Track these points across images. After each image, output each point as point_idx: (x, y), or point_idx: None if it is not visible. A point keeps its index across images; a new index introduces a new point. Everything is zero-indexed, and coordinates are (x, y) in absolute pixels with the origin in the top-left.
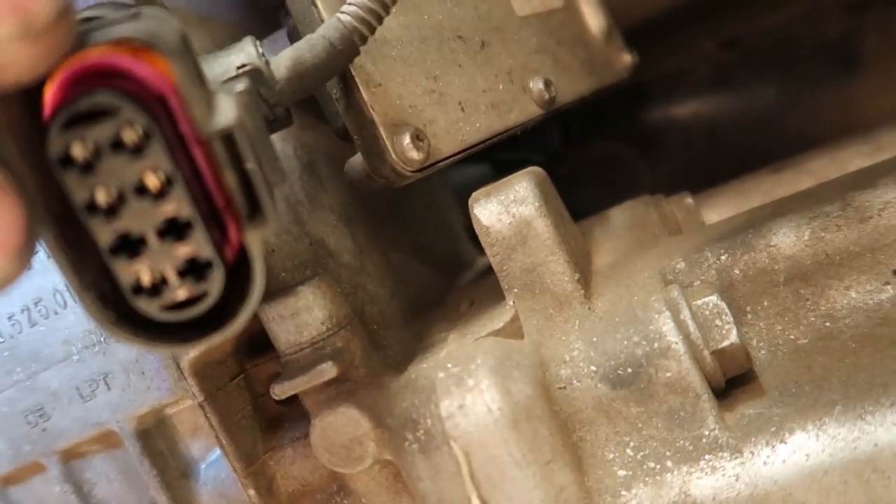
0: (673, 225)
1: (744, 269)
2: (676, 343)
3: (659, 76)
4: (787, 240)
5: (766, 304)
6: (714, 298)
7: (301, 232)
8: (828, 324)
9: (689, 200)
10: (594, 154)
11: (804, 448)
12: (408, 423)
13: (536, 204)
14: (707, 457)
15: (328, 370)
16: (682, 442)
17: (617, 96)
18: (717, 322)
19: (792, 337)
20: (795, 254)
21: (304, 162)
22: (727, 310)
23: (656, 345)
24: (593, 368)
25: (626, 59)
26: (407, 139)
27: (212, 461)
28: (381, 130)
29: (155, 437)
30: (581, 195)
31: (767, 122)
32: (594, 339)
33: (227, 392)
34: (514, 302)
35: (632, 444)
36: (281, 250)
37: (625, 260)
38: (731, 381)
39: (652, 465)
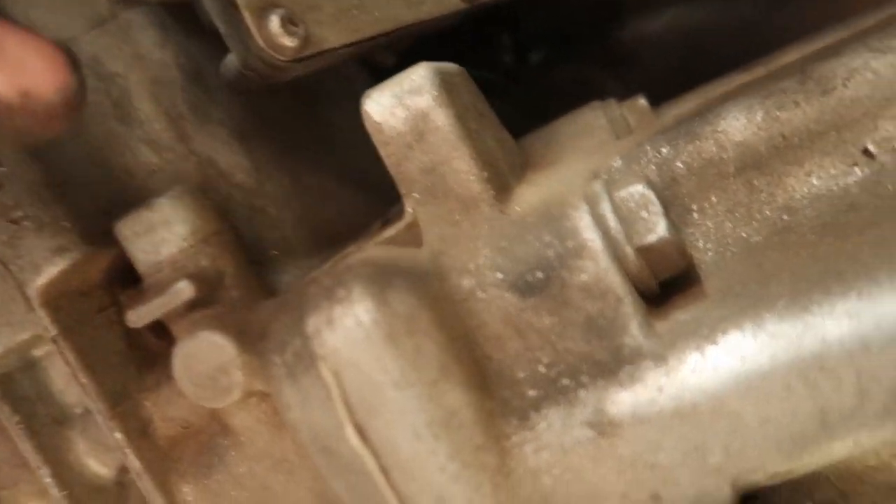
0: (623, 130)
1: (687, 160)
2: (593, 240)
3: None
4: (737, 123)
5: (714, 199)
6: (639, 188)
7: (186, 150)
8: (785, 217)
9: (643, 102)
10: (563, 77)
11: (738, 350)
12: (277, 346)
13: (434, 93)
14: (627, 368)
15: (184, 290)
16: (600, 354)
17: (587, 17)
18: (643, 214)
19: (744, 235)
20: (747, 139)
21: (186, 70)
22: (655, 199)
23: (570, 243)
24: (499, 276)
25: None
26: (276, 23)
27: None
28: (246, 14)
29: (19, 381)
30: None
31: (749, 26)
32: (503, 244)
33: (92, 325)
34: (413, 208)
35: (545, 359)
36: (163, 171)
37: (558, 165)
38: (673, 288)
39: (566, 382)
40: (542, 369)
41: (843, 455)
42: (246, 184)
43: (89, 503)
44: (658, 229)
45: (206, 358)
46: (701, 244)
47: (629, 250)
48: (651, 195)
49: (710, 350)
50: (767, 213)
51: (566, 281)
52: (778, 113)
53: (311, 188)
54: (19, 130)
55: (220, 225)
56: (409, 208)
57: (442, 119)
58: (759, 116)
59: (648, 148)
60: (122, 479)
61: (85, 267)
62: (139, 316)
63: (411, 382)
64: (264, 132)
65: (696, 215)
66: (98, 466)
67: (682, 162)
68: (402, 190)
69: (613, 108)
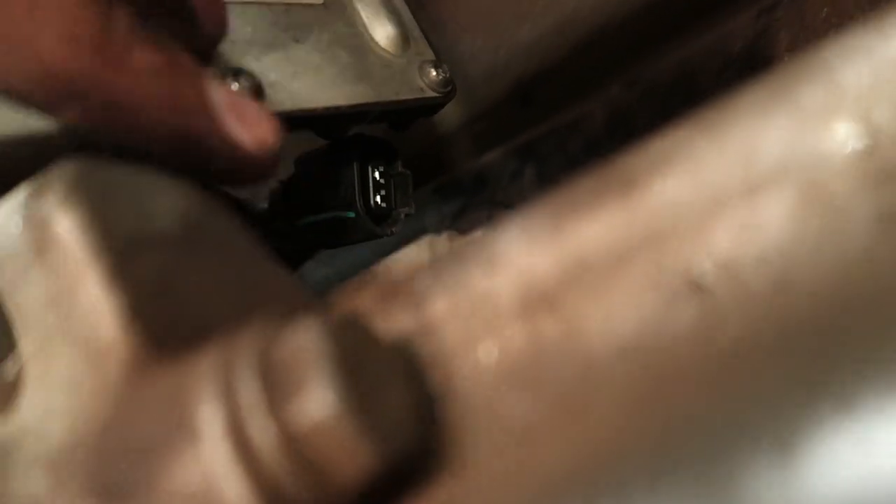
0: None
1: (452, 298)
2: (207, 422)
3: (548, 131)
4: (518, 244)
5: (485, 352)
6: (309, 336)
7: None
8: (582, 381)
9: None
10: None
11: None
12: None
13: (61, 192)
14: None
15: None
16: None
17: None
18: (296, 379)
19: (523, 410)
20: (531, 266)
21: None
22: (326, 356)
23: (180, 425)
24: (85, 472)
25: (431, 73)
26: None
27: None
28: None
29: None
30: None
31: None
32: (110, 428)
33: None
34: (25, 356)
35: None
36: None
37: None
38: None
39: None
40: None
41: None
42: None
43: None
44: (309, 401)
45: None
46: (462, 422)
47: (265, 435)
48: (319, 346)
49: None
50: (560, 372)
51: (164, 485)
52: (568, 224)
53: None
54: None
55: None
56: (23, 352)
57: (66, 227)
58: (543, 230)
59: (412, 284)
60: None
61: None
62: None
63: None
64: None
65: (461, 377)
66: None
67: (445, 299)
68: (18, 326)
69: (443, 241)
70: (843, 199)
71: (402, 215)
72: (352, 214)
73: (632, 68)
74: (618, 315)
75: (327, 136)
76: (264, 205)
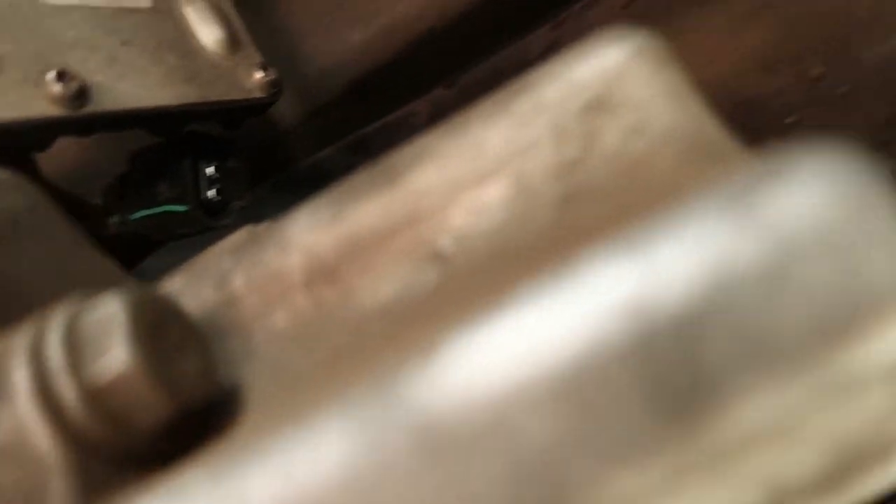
0: None
1: (249, 274)
2: (18, 382)
3: (379, 127)
4: (303, 225)
5: (278, 320)
6: (112, 307)
7: None
8: (352, 338)
9: None
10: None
11: None
12: None
13: None
14: None
15: None
16: None
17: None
18: (99, 342)
19: (306, 363)
20: (313, 243)
21: None
22: (123, 321)
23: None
24: None
25: (258, 76)
26: None
27: None
28: None
29: None
30: None
31: None
32: None
33: None
34: None
35: None
36: None
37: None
38: None
39: None
40: None
41: None
42: None
43: None
44: (107, 360)
45: None
46: (260, 378)
47: (69, 392)
48: (120, 315)
49: None
50: (336, 331)
51: None
52: (345, 210)
53: None
54: None
55: None
56: None
57: None
58: (325, 216)
59: (211, 264)
60: None
61: None
62: None
63: None
64: None
65: (256, 341)
66: None
67: (243, 276)
68: None
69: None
70: (538, 185)
71: (237, 208)
72: (184, 208)
73: (451, 71)
74: (381, 281)
75: (161, 135)
76: (98, 200)
